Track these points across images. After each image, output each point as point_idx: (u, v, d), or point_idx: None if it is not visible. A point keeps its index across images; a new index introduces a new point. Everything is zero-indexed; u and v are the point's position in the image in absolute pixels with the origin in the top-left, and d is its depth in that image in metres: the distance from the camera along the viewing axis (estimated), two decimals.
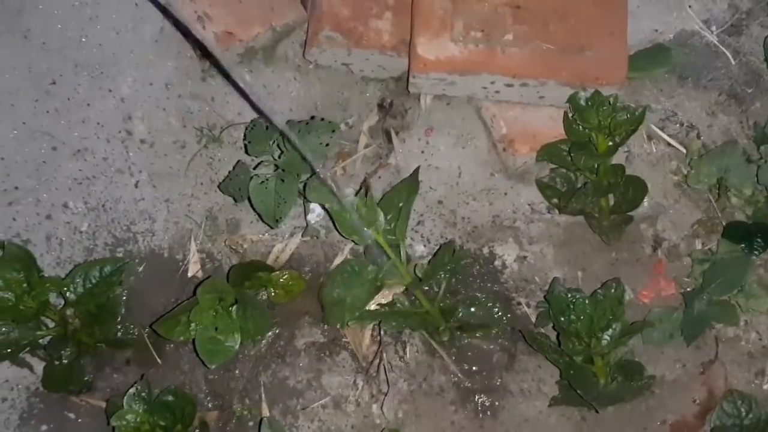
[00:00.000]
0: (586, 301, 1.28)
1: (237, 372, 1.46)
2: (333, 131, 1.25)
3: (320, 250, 1.51)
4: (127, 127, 1.55)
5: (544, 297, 1.36)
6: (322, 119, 1.29)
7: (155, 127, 1.58)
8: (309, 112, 1.56)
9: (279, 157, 1.28)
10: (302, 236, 1.45)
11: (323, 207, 1.31)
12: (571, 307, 1.27)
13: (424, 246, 1.49)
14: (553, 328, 1.30)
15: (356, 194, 1.24)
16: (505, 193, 1.50)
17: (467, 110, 1.51)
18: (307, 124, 1.28)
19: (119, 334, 1.46)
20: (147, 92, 1.59)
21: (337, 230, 1.30)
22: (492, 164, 1.51)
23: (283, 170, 1.27)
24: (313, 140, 1.25)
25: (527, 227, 1.49)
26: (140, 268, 1.52)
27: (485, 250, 1.49)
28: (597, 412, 1.32)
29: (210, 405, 1.45)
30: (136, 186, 1.56)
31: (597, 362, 1.31)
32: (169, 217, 1.54)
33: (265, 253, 1.51)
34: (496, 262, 1.48)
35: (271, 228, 1.38)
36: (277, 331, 1.47)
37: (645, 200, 1.46)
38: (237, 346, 1.30)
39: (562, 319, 1.28)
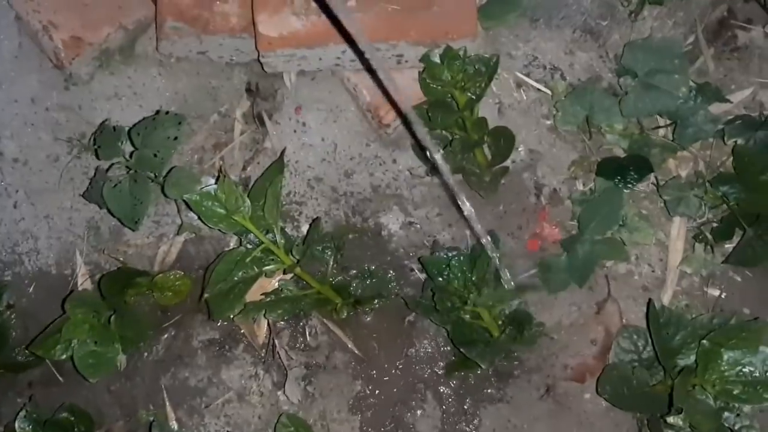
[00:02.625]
0: (462, 258, 1.26)
1: (138, 379, 1.44)
2: (179, 124, 1.22)
3: (208, 246, 1.49)
4: None
5: (419, 260, 1.34)
6: (167, 112, 1.25)
7: (26, 143, 1.55)
8: (179, 106, 1.53)
9: (130, 157, 1.25)
10: (179, 234, 1.43)
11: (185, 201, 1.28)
12: (447, 266, 1.26)
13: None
14: (431, 290, 1.29)
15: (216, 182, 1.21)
16: (383, 162, 1.47)
17: (333, 83, 1.48)
18: (153, 119, 1.25)
19: (18, 357, 1.44)
20: (13, 110, 1.56)
21: (203, 222, 1.27)
22: (366, 134, 1.48)
23: (135, 171, 1.24)
24: (160, 135, 1.22)
25: (410, 193, 1.46)
26: (30, 289, 1.50)
27: (371, 222, 1.47)
28: (485, 369, 1.30)
29: (116, 415, 1.44)
30: (14, 206, 1.53)
31: (485, 317, 1.30)
32: (52, 233, 1.51)
33: (151, 257, 1.49)
34: (384, 232, 1.46)
35: (133, 230, 1.36)
36: (173, 333, 1.45)
37: (521, 149, 1.43)
38: (119, 357, 1.28)
39: (440, 279, 1.27)
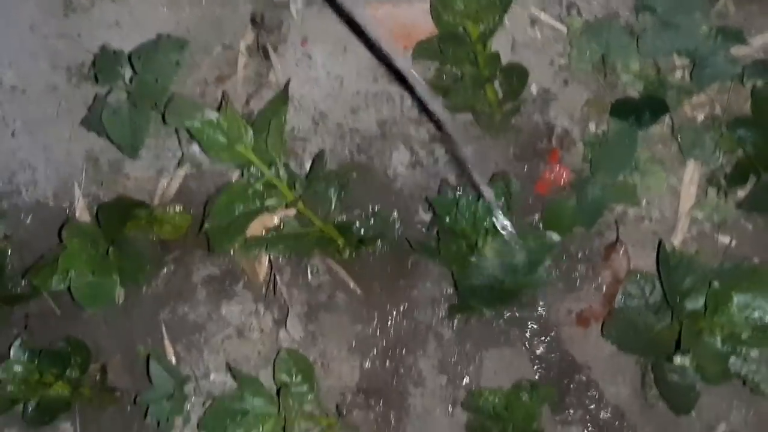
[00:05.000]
0: (470, 199, 1.23)
1: (137, 314, 1.43)
2: (182, 48, 1.18)
3: (209, 181, 1.46)
4: None
5: (426, 199, 1.31)
6: (168, 36, 1.21)
7: (24, 72, 1.51)
8: (183, 38, 1.48)
9: (130, 82, 1.21)
10: (179, 167, 1.39)
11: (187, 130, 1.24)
12: (456, 206, 1.23)
13: None
14: (437, 233, 1.26)
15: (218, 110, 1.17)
16: (391, 98, 1.43)
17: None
18: (155, 43, 1.20)
19: (15, 289, 1.42)
20: (11, 37, 1.52)
21: (205, 152, 1.23)
22: (373, 69, 1.44)
23: (135, 96, 1.20)
24: (162, 60, 1.18)
25: (417, 131, 1.43)
26: (27, 220, 1.48)
27: (377, 161, 1.43)
28: (482, 315, 1.28)
29: (114, 349, 1.42)
30: (12, 136, 1.50)
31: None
32: (50, 164, 1.48)
33: (151, 191, 1.46)
34: (389, 171, 1.43)
35: (132, 158, 1.32)
36: (173, 269, 1.43)
37: (534, 88, 1.39)
38: (117, 288, 1.26)
39: (448, 219, 1.24)
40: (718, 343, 1.12)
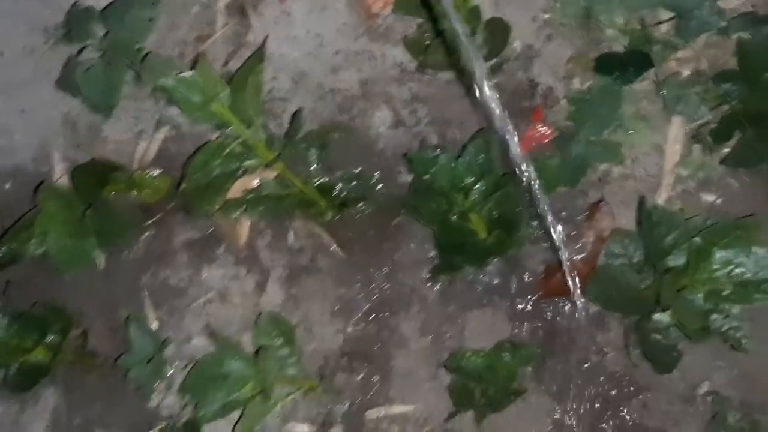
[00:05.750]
0: (450, 156, 1.21)
1: (118, 278, 1.41)
2: (154, 3, 1.15)
3: (189, 144, 1.44)
4: None
5: (404, 155, 1.29)
6: None
7: (1, 33, 1.48)
8: None
9: (104, 38, 1.18)
10: (157, 127, 1.37)
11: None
12: (434, 164, 1.21)
13: None
14: (415, 191, 1.24)
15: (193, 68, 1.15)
16: (372, 57, 1.41)
17: None
18: (127, 0, 1.18)
19: None
20: None
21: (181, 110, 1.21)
22: (354, 27, 1.41)
23: (108, 54, 1.17)
24: (135, 16, 1.16)
25: (399, 90, 1.40)
26: (7, 186, 1.46)
27: (359, 121, 1.41)
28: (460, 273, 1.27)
29: (96, 314, 1.41)
30: None
31: (473, 218, 1.26)
32: (28, 128, 1.46)
33: (130, 153, 1.44)
34: (371, 132, 1.40)
35: (106, 117, 1.30)
36: (153, 233, 1.42)
37: (517, 44, 1.37)
38: (95, 253, 1.24)
39: (427, 177, 1.22)
40: (700, 300, 1.11)
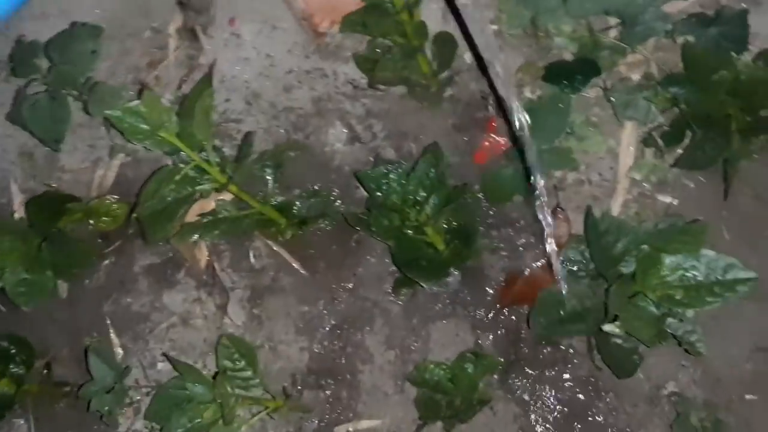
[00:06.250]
0: (401, 172, 1.21)
1: (81, 307, 1.41)
2: (97, 36, 1.15)
3: (146, 169, 1.44)
4: None
5: (355, 175, 1.29)
6: (84, 24, 1.18)
7: None
8: (110, 23, 1.45)
9: (49, 72, 1.18)
10: (110, 156, 1.37)
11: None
12: (386, 180, 1.21)
13: None
14: (367, 208, 1.24)
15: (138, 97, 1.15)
16: (324, 75, 1.41)
17: None
18: (69, 32, 1.17)
19: None
20: None
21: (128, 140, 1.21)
22: (304, 46, 1.41)
23: (53, 88, 1.17)
24: (78, 48, 1.15)
25: (353, 106, 1.40)
26: None
27: (313, 138, 1.41)
28: (421, 287, 1.27)
29: (61, 343, 1.41)
30: None
31: (429, 231, 1.26)
32: None
33: (88, 182, 1.44)
34: (327, 149, 1.41)
35: (55, 151, 1.30)
36: (114, 260, 1.42)
37: (467, 57, 1.37)
38: (52, 284, 1.24)
39: (378, 194, 1.22)
40: (652, 306, 1.11)
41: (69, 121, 1.19)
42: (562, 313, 1.17)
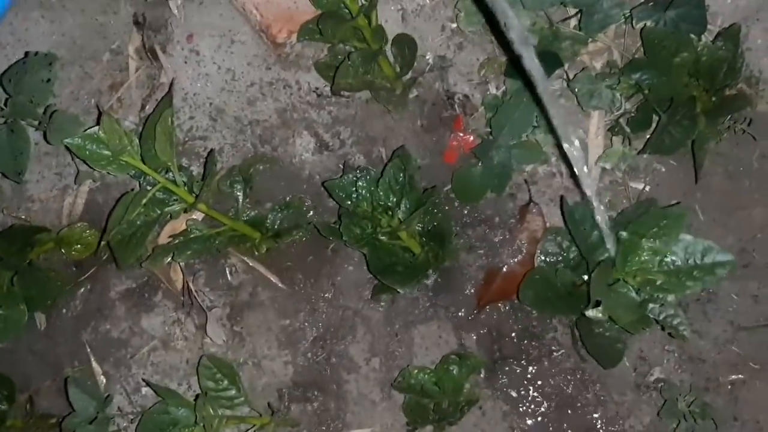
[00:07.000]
0: (369, 178, 1.20)
1: (60, 337, 1.40)
2: (50, 64, 1.13)
3: (115, 193, 1.43)
4: None
5: (322, 185, 1.28)
6: (36, 53, 1.16)
7: None
8: (68, 49, 1.44)
9: (5, 105, 1.17)
10: (76, 183, 1.36)
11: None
12: (355, 188, 1.20)
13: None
14: (339, 217, 1.23)
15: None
16: (287, 85, 1.40)
17: (222, 5, 1.39)
18: (23, 63, 1.16)
19: None
20: None
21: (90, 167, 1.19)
22: (264, 57, 1.40)
23: (11, 120, 1.16)
24: (33, 79, 1.14)
25: (319, 115, 1.39)
26: None
27: (281, 150, 1.40)
28: (399, 292, 1.26)
29: (43, 375, 1.40)
30: None
31: (403, 236, 1.25)
32: None
33: (58, 210, 1.42)
34: (295, 160, 1.39)
35: (18, 183, 1.28)
36: (89, 287, 1.40)
37: (429, 57, 1.36)
38: (25, 318, 1.23)
39: (348, 203, 1.21)
40: (633, 292, 1.10)
41: (29, 153, 1.18)
42: (549, 293, 1.16)
